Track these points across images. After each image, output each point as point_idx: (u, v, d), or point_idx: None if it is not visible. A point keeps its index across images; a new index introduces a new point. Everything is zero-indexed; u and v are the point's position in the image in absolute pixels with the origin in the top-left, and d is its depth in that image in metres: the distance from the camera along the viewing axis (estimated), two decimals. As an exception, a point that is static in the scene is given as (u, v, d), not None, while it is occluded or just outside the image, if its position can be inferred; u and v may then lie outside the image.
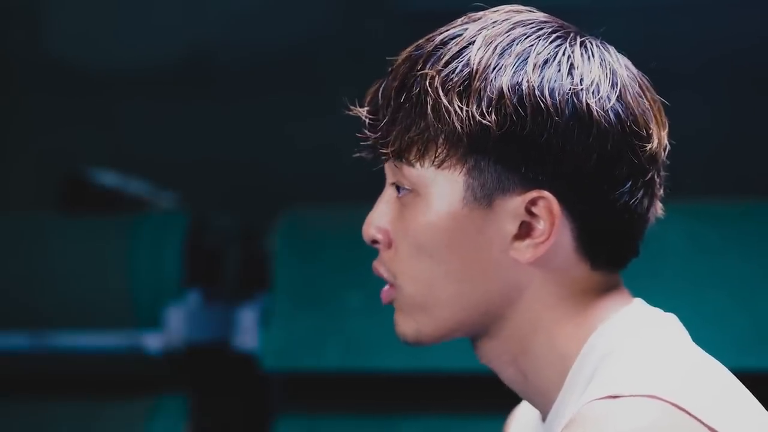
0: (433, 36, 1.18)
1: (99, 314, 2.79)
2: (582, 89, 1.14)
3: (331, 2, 3.56)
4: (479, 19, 1.18)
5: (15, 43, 3.65)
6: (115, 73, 3.59)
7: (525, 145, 1.13)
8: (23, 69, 3.64)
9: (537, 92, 1.13)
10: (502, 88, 1.13)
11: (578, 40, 1.18)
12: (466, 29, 1.17)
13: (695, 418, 1.06)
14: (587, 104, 1.13)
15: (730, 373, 1.15)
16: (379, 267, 1.20)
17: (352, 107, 1.20)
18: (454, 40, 1.16)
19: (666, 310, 1.20)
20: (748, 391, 1.14)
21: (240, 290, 2.92)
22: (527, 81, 1.13)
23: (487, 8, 1.21)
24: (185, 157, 3.52)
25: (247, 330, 2.79)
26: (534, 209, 1.15)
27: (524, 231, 1.15)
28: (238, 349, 2.81)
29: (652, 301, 1.21)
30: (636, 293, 1.22)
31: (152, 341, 2.75)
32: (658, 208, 1.21)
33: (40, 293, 2.84)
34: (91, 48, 3.60)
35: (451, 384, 2.58)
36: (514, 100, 1.13)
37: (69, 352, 2.77)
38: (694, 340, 1.20)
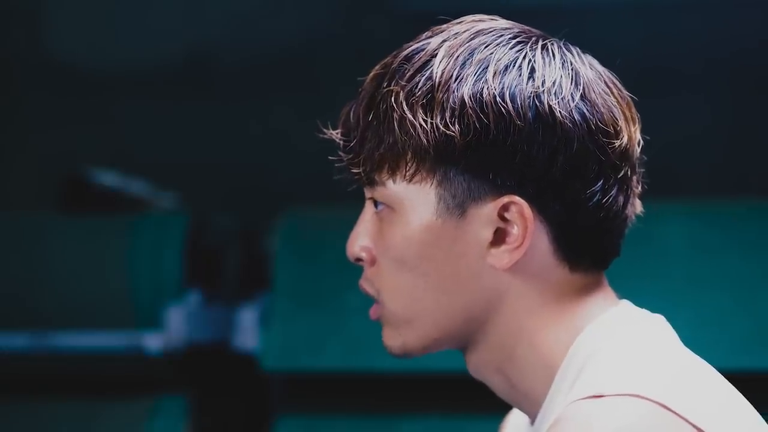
0: (398, 52, 1.19)
1: (99, 314, 2.78)
2: (543, 91, 1.14)
3: (332, 2, 3.56)
4: (443, 31, 1.19)
5: (15, 43, 3.65)
6: (115, 73, 3.59)
7: (490, 151, 1.14)
8: (23, 69, 3.64)
9: (498, 98, 1.13)
10: (463, 97, 1.13)
11: (540, 43, 1.18)
12: (429, 43, 1.18)
13: (680, 416, 1.06)
14: (549, 106, 1.14)
15: (717, 373, 1.15)
16: (365, 284, 1.22)
17: (325, 130, 1.21)
18: (417, 55, 1.17)
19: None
20: (735, 390, 1.14)
21: (240, 290, 2.92)
22: (488, 88, 1.14)
23: (471, 13, 1.21)
24: (185, 157, 3.53)
25: (247, 330, 2.79)
26: (507, 215, 1.15)
27: (499, 237, 1.16)
28: (238, 349, 2.81)
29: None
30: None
31: (152, 341, 2.74)
32: (637, 206, 1.21)
33: (40, 293, 2.83)
34: (91, 48, 3.60)
35: (451, 384, 2.58)
36: (476, 108, 1.13)
37: (69, 352, 2.77)
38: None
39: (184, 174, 3.46)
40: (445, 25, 1.20)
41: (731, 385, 1.14)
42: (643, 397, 1.06)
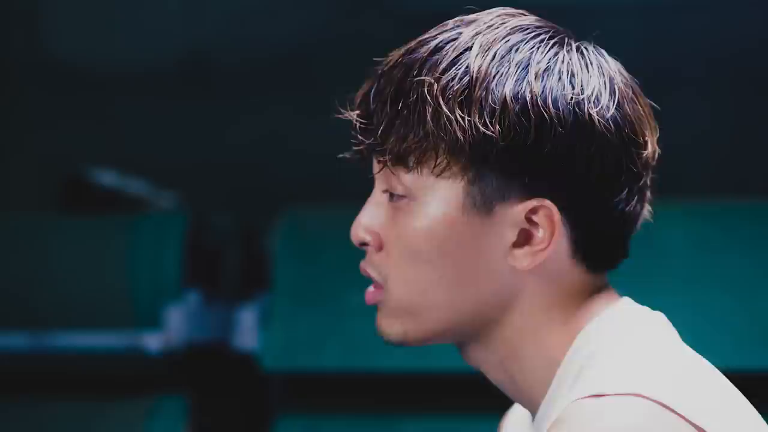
0: (426, 39, 1.16)
1: (99, 314, 2.79)
2: (583, 99, 1.13)
3: (331, 2, 3.56)
4: (473, 22, 1.17)
5: (15, 43, 3.64)
6: (114, 72, 3.59)
7: (528, 155, 1.12)
8: (23, 69, 3.64)
9: (540, 102, 1.12)
10: (504, 97, 1.12)
11: (574, 45, 1.17)
12: (461, 33, 1.15)
13: (680, 416, 1.05)
14: (589, 114, 1.13)
15: (718, 371, 1.15)
16: (368, 268, 1.20)
17: (342, 110, 1.19)
18: (450, 45, 1.15)
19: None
20: (735, 389, 1.14)
21: (240, 290, 2.92)
22: (530, 91, 1.12)
23: (480, 10, 1.20)
24: (185, 156, 3.52)
25: (247, 330, 2.79)
26: (534, 217, 1.14)
27: (523, 239, 1.15)
28: (238, 349, 2.81)
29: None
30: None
31: (152, 341, 2.74)
32: (646, 211, 1.21)
33: (40, 293, 2.83)
34: (91, 48, 3.60)
35: (451, 384, 2.58)
36: (517, 109, 1.11)
37: (69, 352, 2.77)
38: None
39: (184, 174, 3.46)
40: (473, 15, 1.18)
41: (731, 383, 1.14)
42: (644, 397, 1.06)
